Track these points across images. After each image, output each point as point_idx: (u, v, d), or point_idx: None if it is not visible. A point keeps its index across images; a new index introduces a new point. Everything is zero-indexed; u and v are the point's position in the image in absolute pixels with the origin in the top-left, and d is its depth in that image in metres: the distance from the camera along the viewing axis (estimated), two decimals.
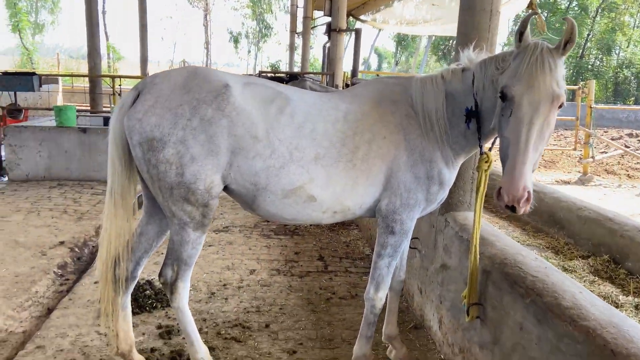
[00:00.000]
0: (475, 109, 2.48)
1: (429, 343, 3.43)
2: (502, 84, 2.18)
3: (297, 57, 24.10)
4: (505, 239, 2.76)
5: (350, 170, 2.56)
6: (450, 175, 2.70)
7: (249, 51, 37.35)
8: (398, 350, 3.14)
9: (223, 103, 2.42)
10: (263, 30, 36.18)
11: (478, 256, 2.55)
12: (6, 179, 7.76)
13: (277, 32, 36.23)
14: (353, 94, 2.75)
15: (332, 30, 8.68)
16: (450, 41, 33.40)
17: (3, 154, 8.47)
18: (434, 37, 33.02)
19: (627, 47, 31.99)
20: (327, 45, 9.95)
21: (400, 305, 3.97)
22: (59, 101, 19.58)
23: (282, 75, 9.09)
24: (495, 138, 2.50)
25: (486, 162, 2.46)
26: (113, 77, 11.34)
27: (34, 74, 8.17)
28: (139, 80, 13.49)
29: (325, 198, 2.57)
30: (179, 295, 2.71)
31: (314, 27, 14.95)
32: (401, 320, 3.70)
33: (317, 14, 16.97)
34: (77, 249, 4.96)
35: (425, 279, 3.56)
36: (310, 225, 5.80)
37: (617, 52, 32.70)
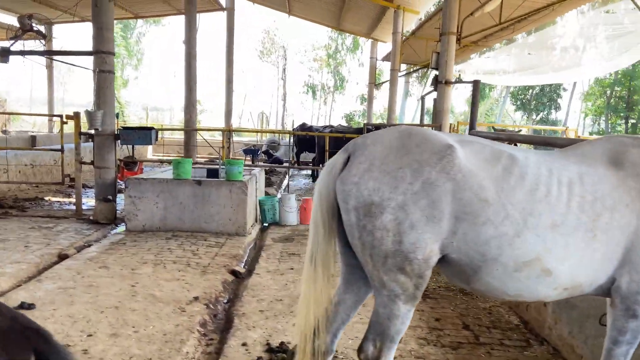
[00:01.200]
0: None
1: None
2: None
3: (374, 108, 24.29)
4: None
5: (589, 241, 2.23)
6: None
7: (325, 102, 38.28)
8: None
9: (448, 165, 2.20)
10: (338, 82, 37.12)
11: None
12: (120, 228, 8.03)
13: (357, 83, 37.02)
14: (580, 152, 2.45)
15: (439, 82, 8.53)
16: (530, 91, 32.54)
17: (120, 204, 8.84)
18: (512, 87, 32.30)
19: None
20: (425, 96, 9.78)
21: None
22: (149, 153, 20.71)
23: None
24: None
25: None
26: (224, 131, 11.72)
27: (152, 128, 8.55)
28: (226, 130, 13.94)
29: (561, 272, 2.25)
30: None
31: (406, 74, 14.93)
32: None
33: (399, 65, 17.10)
34: (211, 306, 4.86)
35: None
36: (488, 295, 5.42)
37: None
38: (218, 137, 26.14)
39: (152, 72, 45.76)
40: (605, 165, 2.36)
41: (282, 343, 3.98)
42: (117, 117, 8.95)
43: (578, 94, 32.68)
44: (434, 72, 8.81)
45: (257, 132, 23.85)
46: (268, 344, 4.00)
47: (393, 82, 15.43)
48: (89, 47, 8.36)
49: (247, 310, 4.71)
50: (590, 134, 29.69)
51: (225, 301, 5.16)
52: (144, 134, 8.42)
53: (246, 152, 19.87)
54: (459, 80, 8.68)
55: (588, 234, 2.22)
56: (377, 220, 2.23)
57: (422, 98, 10.81)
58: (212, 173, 9.27)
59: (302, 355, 2.52)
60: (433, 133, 2.38)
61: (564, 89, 32.20)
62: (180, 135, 23.74)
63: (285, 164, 17.06)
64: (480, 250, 2.22)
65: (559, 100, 32.60)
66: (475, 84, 7.99)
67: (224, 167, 8.93)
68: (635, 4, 5.86)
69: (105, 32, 8.21)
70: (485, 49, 17.00)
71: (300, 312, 2.52)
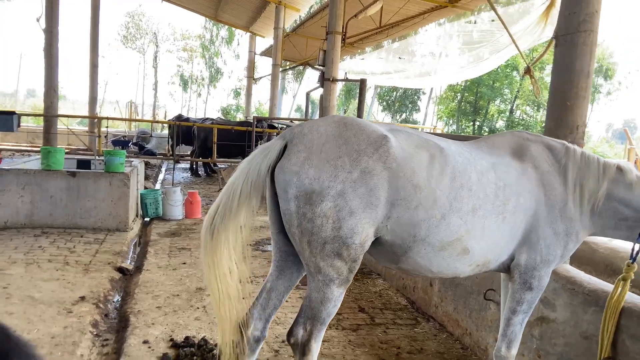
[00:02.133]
0: None
1: None
2: None
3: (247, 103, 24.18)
4: (634, 296, 2.81)
5: (500, 223, 2.54)
6: (582, 237, 2.76)
7: (199, 95, 37.02)
8: None
9: (384, 154, 2.34)
10: (212, 74, 36.16)
11: (617, 314, 2.59)
12: None
13: (230, 77, 36.36)
14: (489, 144, 2.76)
15: (325, 79, 8.81)
16: (395, 92, 34.99)
17: None
18: (379, 88, 34.45)
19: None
20: (310, 92, 10.06)
21: (470, 359, 3.92)
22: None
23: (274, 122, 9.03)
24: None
25: (633, 272, 2.61)
26: (99, 119, 10.74)
27: (13, 113, 7.57)
28: (88, 118, 12.86)
29: (477, 251, 2.52)
30: (312, 356, 2.51)
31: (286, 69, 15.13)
32: None
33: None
34: (101, 305, 4.50)
35: None
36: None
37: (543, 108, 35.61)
38: (76, 126, 23.91)
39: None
40: (510, 156, 2.69)
41: (187, 338, 3.85)
42: None
43: (434, 98, 35.97)
44: (312, 70, 9.08)
45: (135, 121, 22.30)
46: (172, 339, 3.84)
47: (275, 76, 15.55)
48: None
49: (143, 308, 4.46)
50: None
51: (115, 300, 4.82)
52: (4, 119, 7.43)
53: (115, 143, 18.46)
54: (346, 79, 9.06)
55: (500, 216, 2.52)
56: (317, 207, 2.29)
57: (308, 94, 11.09)
58: (84, 164, 8.51)
59: (225, 345, 2.48)
60: (366, 123, 2.50)
61: (423, 93, 35.20)
62: (34, 123, 21.27)
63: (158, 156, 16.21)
64: (411, 232, 2.40)
65: (419, 103, 35.56)
66: (362, 82, 8.43)
67: (100, 157, 8.26)
68: (496, 12, 6.65)
69: None
70: (359, 51, 17.89)
71: (218, 302, 2.47)
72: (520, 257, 2.65)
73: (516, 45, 6.79)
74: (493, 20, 9.74)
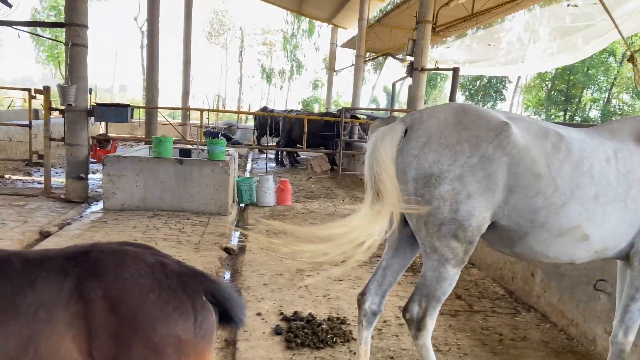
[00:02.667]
0: None
1: None
2: None
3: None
4: None
5: (622, 210, 2.51)
6: None
7: (281, 88, 38.09)
8: None
9: (504, 141, 2.41)
10: (294, 67, 37.00)
11: None
12: (95, 207, 7.82)
13: (311, 70, 36.95)
14: (609, 130, 2.73)
15: (414, 69, 8.81)
16: (478, 82, 33.82)
17: (92, 183, 8.57)
18: (462, 78, 33.43)
19: None
20: (396, 82, 10.07)
21: (577, 349, 3.86)
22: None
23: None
24: None
25: None
26: (203, 111, 11.53)
27: (128, 105, 8.32)
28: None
29: (596, 238, 2.52)
30: (427, 332, 2.65)
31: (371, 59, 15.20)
32: None
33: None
34: None
35: None
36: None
37: None
38: (169, 118, 25.41)
39: (95, 49, 43.65)
40: (633, 142, 2.64)
41: (295, 312, 4.12)
42: (90, 93, 8.62)
43: (520, 86, 34.33)
44: (392, 61, 9.06)
45: (229, 112, 23.37)
46: (281, 313, 4.13)
47: (358, 67, 15.68)
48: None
49: (251, 284, 4.81)
50: None
51: (225, 276, 5.23)
52: (120, 111, 8.19)
53: (206, 134, 19.54)
54: (437, 68, 9.02)
55: (621, 203, 2.50)
56: (435, 190, 2.41)
57: (394, 84, 11.14)
58: (185, 153, 9.19)
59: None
60: (486, 110, 2.57)
61: (509, 81, 33.71)
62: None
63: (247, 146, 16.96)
64: (529, 218, 2.45)
65: (504, 92, 34.11)
66: (455, 71, 8.33)
67: (202, 147, 8.84)
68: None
69: (79, 3, 7.87)
70: (442, 40, 17.54)
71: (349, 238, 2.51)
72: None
73: (619, 31, 6.41)
74: (595, 4, 9.20)
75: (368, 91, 40.22)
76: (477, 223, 2.44)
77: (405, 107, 9.86)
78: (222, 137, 19.89)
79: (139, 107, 11.35)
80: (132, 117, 8.53)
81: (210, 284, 1.58)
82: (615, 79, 31.24)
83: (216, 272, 5.12)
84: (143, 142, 12.11)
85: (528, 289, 4.72)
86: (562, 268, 4.19)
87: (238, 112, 21.37)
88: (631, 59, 5.32)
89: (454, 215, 2.42)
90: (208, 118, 13.08)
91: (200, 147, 9.50)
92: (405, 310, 2.70)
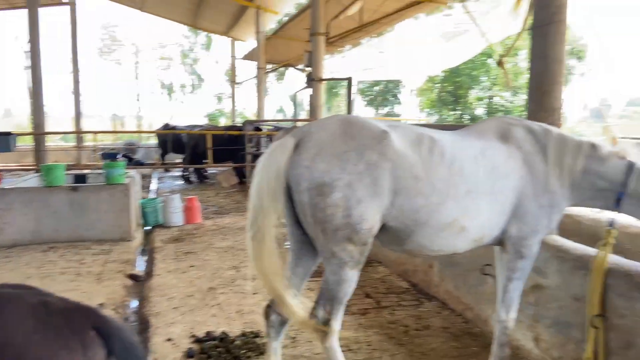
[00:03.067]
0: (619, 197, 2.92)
1: None
2: None
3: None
4: (614, 257, 3.10)
5: (492, 202, 2.81)
6: (564, 207, 3.04)
7: (182, 102, 37.01)
8: None
9: (385, 147, 2.60)
10: (195, 81, 36.19)
11: (602, 275, 2.88)
12: None
13: (212, 81, 36.30)
14: (477, 131, 3.02)
15: (312, 80, 9.05)
16: (375, 88, 35.33)
17: None
18: (360, 84, 34.74)
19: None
20: (298, 92, 10.27)
21: (473, 331, 4.20)
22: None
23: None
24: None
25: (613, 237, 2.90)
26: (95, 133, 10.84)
27: (9, 133, 7.70)
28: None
29: (473, 228, 2.79)
30: (333, 335, 2.76)
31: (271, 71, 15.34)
32: (479, 344, 3.90)
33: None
34: (120, 310, 4.70)
35: None
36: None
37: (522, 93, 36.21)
38: (61, 142, 23.82)
39: None
40: (497, 141, 2.96)
41: (208, 332, 4.07)
42: None
43: (414, 90, 36.36)
44: (293, 71, 9.31)
45: (127, 133, 22.25)
46: (193, 335, 4.06)
47: (260, 80, 15.75)
48: None
49: (161, 309, 4.67)
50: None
51: (131, 305, 5.02)
52: (2, 140, 7.54)
53: (105, 156, 18.52)
54: (332, 78, 9.29)
55: (491, 196, 2.80)
56: (328, 198, 2.53)
57: (294, 95, 11.34)
58: (80, 179, 8.67)
59: (286, 306, 2.68)
60: (368, 120, 2.76)
61: (404, 86, 35.59)
62: (19, 143, 21.12)
63: (150, 166, 16.33)
64: (413, 217, 2.66)
65: (400, 96, 35.96)
66: (349, 80, 8.67)
67: (96, 171, 8.40)
68: (468, 11, 7.00)
69: None
70: (339, 49, 18.16)
71: (266, 286, 2.70)
72: (511, 230, 2.92)
73: (486, 39, 7.11)
74: (466, 12, 10.08)
75: (274, 101, 40.42)
76: (368, 226, 2.60)
77: (307, 117, 10.10)
78: (122, 158, 18.98)
79: (23, 135, 10.44)
80: (15, 145, 7.84)
81: (97, 317, 1.55)
82: (495, 79, 34.18)
83: (122, 302, 4.90)
84: (34, 171, 11.22)
85: (428, 280, 5.04)
86: (455, 257, 4.53)
87: (137, 132, 20.50)
88: (500, 63, 5.94)
89: (348, 220, 2.56)
90: (101, 140, 12.42)
91: (98, 171, 9.00)
92: (311, 316, 2.80)
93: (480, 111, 34.18)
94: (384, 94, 34.70)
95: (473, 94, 34.84)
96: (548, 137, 3.02)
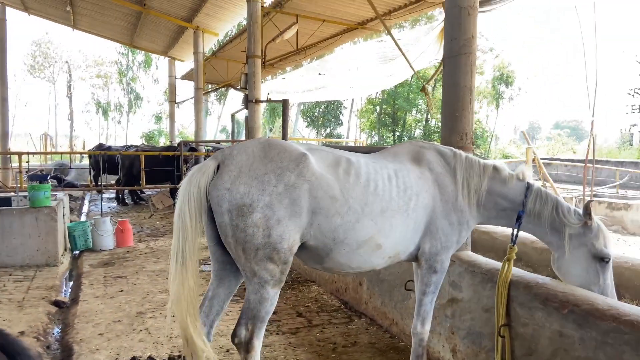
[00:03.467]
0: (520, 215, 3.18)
1: None
2: (603, 252, 2.99)
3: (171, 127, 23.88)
4: (517, 270, 3.35)
5: (404, 220, 2.98)
6: (472, 225, 3.27)
7: (119, 122, 35.85)
8: None
9: (304, 169, 2.72)
10: (132, 100, 35.22)
11: (507, 285, 3.12)
12: None
13: (150, 101, 35.51)
14: (392, 153, 3.21)
15: (249, 101, 9.13)
16: (317, 108, 35.88)
17: None
18: (302, 105, 35.17)
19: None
20: (235, 113, 10.32)
21: (398, 345, 4.36)
22: None
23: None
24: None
25: (514, 253, 3.16)
26: (20, 154, 10.37)
27: None
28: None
29: (388, 245, 2.94)
30: (255, 353, 2.80)
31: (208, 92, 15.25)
32: (402, 358, 4.06)
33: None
34: (42, 338, 4.50)
35: None
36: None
37: None
38: None
39: None
40: (410, 162, 3.15)
41: (133, 358, 3.98)
42: None
43: (355, 111, 37.28)
44: (234, 91, 9.38)
45: (55, 154, 21.19)
46: None
47: (198, 100, 15.63)
48: None
49: (85, 336, 4.51)
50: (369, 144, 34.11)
51: (55, 332, 4.81)
52: None
53: (33, 177, 17.52)
54: (269, 100, 9.40)
55: (404, 214, 2.97)
56: (249, 218, 2.61)
57: (233, 115, 11.33)
58: (4, 202, 8.22)
59: (197, 344, 2.71)
60: (288, 143, 2.87)
61: (345, 107, 36.42)
62: None
63: (83, 188, 15.67)
64: (331, 236, 2.78)
65: (341, 117, 36.71)
66: (284, 102, 8.81)
67: (21, 193, 8.01)
68: (393, 39, 7.43)
69: None
70: (279, 71, 18.41)
71: (178, 311, 2.72)
72: (424, 246, 3.11)
73: (411, 67, 7.54)
74: (399, 39, 10.60)
75: (215, 121, 40.08)
76: (288, 245, 2.69)
77: (244, 138, 10.16)
78: (51, 180, 18.10)
79: None
80: None
81: (2, 337, 1.53)
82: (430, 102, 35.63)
83: (44, 329, 4.69)
84: None
85: (358, 297, 5.19)
86: (382, 274, 4.71)
87: (69, 152, 19.64)
88: (423, 89, 6.30)
89: (267, 240, 2.64)
90: (28, 162, 11.86)
91: (22, 193, 8.58)
92: (233, 335, 2.83)
93: (418, 132, 35.54)
94: (325, 115, 35.31)
95: (410, 116, 36.22)
96: (456, 159, 3.25)
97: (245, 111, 9.56)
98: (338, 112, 36.23)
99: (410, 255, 3.17)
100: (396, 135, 35.20)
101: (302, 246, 2.84)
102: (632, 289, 4.07)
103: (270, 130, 35.98)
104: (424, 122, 35.66)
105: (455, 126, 3.77)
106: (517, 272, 3.29)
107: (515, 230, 3.23)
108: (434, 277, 3.16)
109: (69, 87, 32.14)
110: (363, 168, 2.93)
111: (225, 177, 2.65)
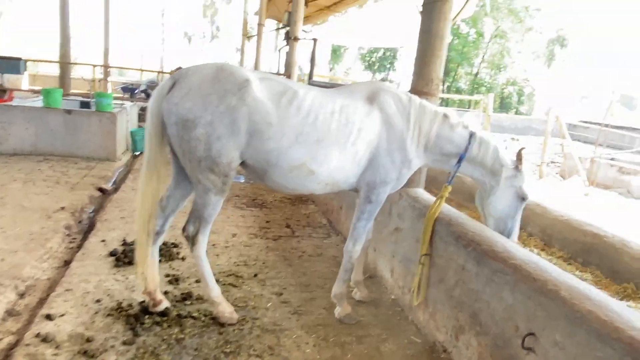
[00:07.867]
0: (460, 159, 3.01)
1: (382, 287, 3.83)
2: (524, 193, 2.97)
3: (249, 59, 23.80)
4: (450, 209, 3.19)
5: (342, 152, 2.85)
6: (415, 165, 3.09)
7: (202, 50, 36.20)
8: (362, 292, 3.53)
9: (245, 94, 2.63)
10: (214, 32, 35.24)
11: (433, 220, 2.99)
12: None
13: (229, 33, 35.38)
14: (350, 91, 3.03)
15: (289, 38, 8.84)
16: (375, 54, 34.36)
17: None
18: (362, 50, 33.80)
19: (511, 68, 34.59)
20: (281, 50, 10.05)
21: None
22: (25, 85, 18.14)
23: None
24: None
25: (448, 192, 3.01)
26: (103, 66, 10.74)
27: (20, 59, 7.67)
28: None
29: (322, 173, 2.86)
30: (200, 245, 2.90)
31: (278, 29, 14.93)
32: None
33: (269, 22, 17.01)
34: (77, 214, 4.89)
35: (379, 240, 3.94)
36: (304, 194, 6.04)
37: (504, 71, 35.19)
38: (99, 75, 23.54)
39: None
40: (362, 100, 2.95)
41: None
42: None
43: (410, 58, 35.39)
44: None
45: (144, 71, 21.90)
46: (124, 240, 4.25)
47: (260, 36, 15.36)
48: None
49: (109, 217, 4.86)
50: None
51: (90, 211, 5.20)
52: (13, 64, 7.54)
53: (124, 89, 18.49)
54: (304, 37, 9.07)
55: (341, 146, 2.83)
56: (192, 132, 2.60)
57: (279, 51, 11.14)
58: (85, 105, 8.74)
59: (141, 234, 2.86)
60: (239, 69, 2.76)
61: (400, 55, 34.60)
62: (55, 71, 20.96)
63: None
64: (265, 157, 2.73)
65: (396, 64, 35.04)
66: (315, 41, 8.47)
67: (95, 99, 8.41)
68: None
69: None
70: (337, 13, 17.51)
71: (139, 202, 2.83)
72: (364, 179, 2.99)
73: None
74: None
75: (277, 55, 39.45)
76: (227, 160, 2.67)
77: (283, 71, 9.92)
78: (141, 93, 18.90)
79: (33, 61, 10.38)
80: (25, 70, 7.83)
81: None
82: (483, 56, 33.10)
83: (82, 208, 5.09)
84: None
85: (338, 218, 5.19)
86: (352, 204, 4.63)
87: (158, 72, 20.18)
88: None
89: (208, 154, 2.63)
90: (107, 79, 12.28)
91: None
92: (183, 229, 2.94)
93: (464, 84, 33.43)
94: (381, 60, 33.80)
95: (462, 69, 33.92)
96: (411, 104, 3.02)
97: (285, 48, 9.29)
98: (394, 58, 34.53)
99: (351, 185, 3.07)
100: (445, 86, 33.31)
101: (244, 164, 2.81)
102: (561, 240, 3.78)
103: (331, 70, 35.07)
104: (474, 76, 33.35)
105: (423, 72, 3.48)
106: (446, 209, 3.13)
107: (453, 171, 3.04)
108: (369, 207, 3.06)
109: (162, 15, 32.58)
110: (307, 101, 2.79)
111: (176, 94, 2.62)
